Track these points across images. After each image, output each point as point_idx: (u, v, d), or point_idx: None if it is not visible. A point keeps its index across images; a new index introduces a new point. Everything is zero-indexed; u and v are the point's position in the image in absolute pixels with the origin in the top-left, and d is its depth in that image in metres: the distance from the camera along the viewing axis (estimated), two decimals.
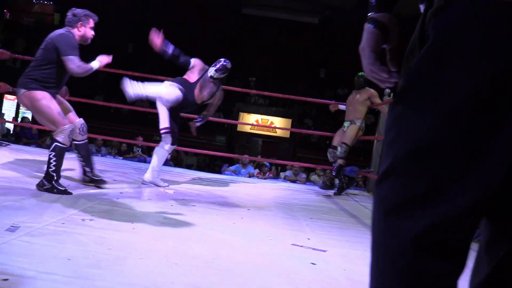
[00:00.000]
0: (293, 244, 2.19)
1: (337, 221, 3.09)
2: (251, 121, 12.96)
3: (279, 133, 13.08)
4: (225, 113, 12.84)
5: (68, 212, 2.25)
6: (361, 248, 2.31)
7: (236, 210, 3.01)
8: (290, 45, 14.20)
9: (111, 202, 2.67)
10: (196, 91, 3.70)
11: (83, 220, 2.14)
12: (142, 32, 13.97)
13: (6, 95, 12.24)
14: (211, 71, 3.71)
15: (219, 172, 8.54)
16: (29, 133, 8.40)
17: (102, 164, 4.47)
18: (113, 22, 13.65)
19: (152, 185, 3.57)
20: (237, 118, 12.85)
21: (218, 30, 14.10)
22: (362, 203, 4.31)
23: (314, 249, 2.16)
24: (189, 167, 8.88)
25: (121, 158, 6.92)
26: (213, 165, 10.70)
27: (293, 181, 6.71)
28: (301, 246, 2.19)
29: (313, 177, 7.50)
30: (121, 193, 3.04)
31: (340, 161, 4.51)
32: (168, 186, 3.63)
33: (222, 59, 3.80)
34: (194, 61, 3.79)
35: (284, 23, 14.09)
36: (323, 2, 13.35)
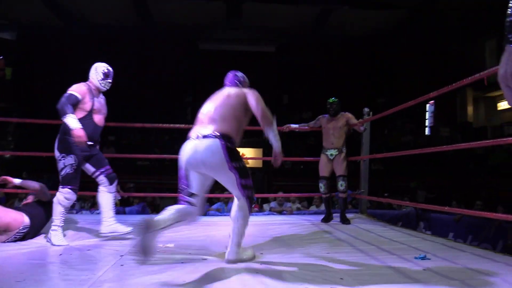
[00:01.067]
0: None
1: (354, 252, 2.98)
2: None
3: (251, 163, 12.94)
4: None
5: None
6: (400, 281, 2.20)
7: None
8: (250, 75, 14.18)
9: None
10: None
11: None
12: None
13: None
14: None
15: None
16: None
17: (86, 222, 4.19)
18: (68, 68, 13.31)
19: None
20: None
21: (177, 67, 14.02)
22: (363, 227, 4.24)
23: None
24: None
25: (98, 211, 6.54)
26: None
27: (280, 212, 6.57)
28: None
29: (313, 207, 7.33)
30: (121, 256, 2.79)
31: (342, 195, 4.65)
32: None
33: None
34: None
35: (242, 54, 14.20)
36: (278, 30, 13.60)
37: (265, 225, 4.36)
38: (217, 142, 2.50)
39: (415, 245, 3.27)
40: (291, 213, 6.51)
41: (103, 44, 13.64)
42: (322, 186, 4.71)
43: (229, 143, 2.53)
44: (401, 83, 14.23)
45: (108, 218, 3.46)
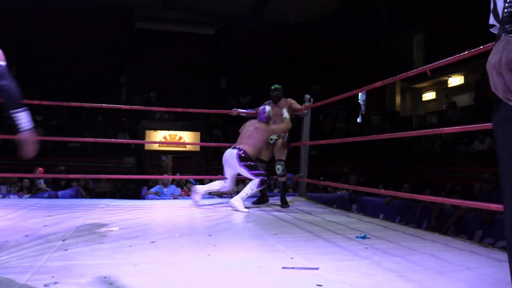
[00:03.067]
0: (284, 268, 2.11)
1: (300, 232, 3.08)
2: (158, 138, 12.49)
3: (188, 147, 12.80)
4: (131, 132, 12.25)
5: None
6: (346, 259, 2.32)
7: (199, 239, 2.82)
8: (188, 57, 14.06)
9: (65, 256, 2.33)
10: None
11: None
12: (28, 52, 12.82)
13: None
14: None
15: (136, 197, 8.10)
16: None
17: (14, 207, 3.95)
18: None
19: None
20: (143, 137, 12.31)
21: (112, 46, 13.41)
22: (304, 209, 4.38)
23: (306, 268, 2.09)
24: (102, 195, 8.23)
25: (28, 196, 6.17)
26: (125, 189, 10.08)
27: (219, 195, 6.59)
28: (292, 268, 2.11)
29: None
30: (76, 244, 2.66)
31: (282, 179, 4.70)
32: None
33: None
34: None
35: (180, 35, 13.91)
36: (217, 13, 13.45)
37: (209, 209, 4.36)
38: (235, 151, 4.33)
39: (353, 225, 3.45)
40: (230, 196, 6.55)
41: (33, 21, 12.75)
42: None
43: (242, 154, 4.31)
44: (335, 71, 14.73)
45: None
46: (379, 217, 6.46)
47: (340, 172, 11.37)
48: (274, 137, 4.72)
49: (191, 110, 6.66)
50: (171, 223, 3.42)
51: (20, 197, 5.80)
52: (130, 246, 2.58)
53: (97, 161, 10.51)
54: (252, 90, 13.86)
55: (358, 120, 15.01)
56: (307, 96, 5.23)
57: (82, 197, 6.91)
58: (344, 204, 7.36)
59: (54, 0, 12.69)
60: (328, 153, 12.35)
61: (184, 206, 4.56)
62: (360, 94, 14.71)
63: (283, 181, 4.71)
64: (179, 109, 6.14)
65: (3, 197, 5.80)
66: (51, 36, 12.64)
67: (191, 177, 7.59)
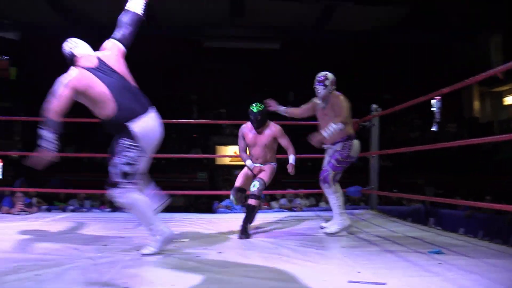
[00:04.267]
0: (349, 281, 2.06)
1: (368, 246, 2.99)
2: (229, 153, 12.77)
3: None
4: (202, 148, 12.66)
5: None
6: (416, 275, 2.21)
7: (265, 250, 2.84)
8: (256, 73, 14.30)
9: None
10: None
11: None
12: None
13: None
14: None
15: (209, 211, 8.29)
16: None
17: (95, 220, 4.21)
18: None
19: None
20: (214, 153, 12.66)
21: (182, 66, 14.04)
22: (374, 222, 4.23)
23: (373, 283, 2.03)
24: (176, 209, 8.52)
25: (109, 210, 6.58)
26: (196, 204, 10.41)
27: (289, 209, 6.58)
28: (359, 282, 2.05)
29: (322, 203, 7.31)
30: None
31: (253, 202, 3.59)
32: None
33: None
34: None
35: (247, 51, 14.22)
36: (282, 28, 13.58)
37: (276, 221, 4.36)
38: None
39: (428, 240, 3.27)
40: (301, 209, 6.53)
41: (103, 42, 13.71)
42: (235, 199, 3.96)
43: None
44: (406, 79, 14.19)
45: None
46: (458, 231, 6.09)
47: (415, 184, 10.85)
48: None
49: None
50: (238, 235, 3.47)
51: (102, 210, 6.20)
52: (197, 256, 2.66)
53: (171, 176, 10.96)
54: None
55: (433, 128, 14.26)
56: (374, 106, 5.11)
57: None
58: (419, 217, 7.00)
59: None
60: (401, 164, 11.86)
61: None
62: (434, 101, 14.03)
63: (254, 205, 3.61)
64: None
65: (87, 211, 6.23)
66: (128, 59, 13.47)
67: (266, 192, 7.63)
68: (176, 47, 13.98)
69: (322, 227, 3.64)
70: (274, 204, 7.35)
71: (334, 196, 3.54)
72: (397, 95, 13.09)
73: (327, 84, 3.76)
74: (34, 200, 6.98)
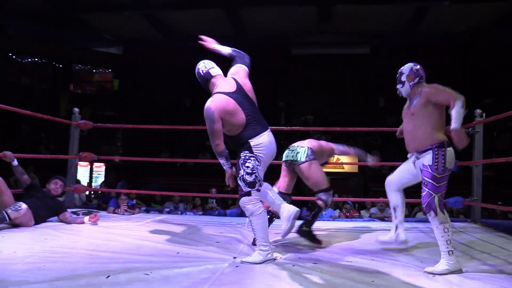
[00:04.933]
0: None
1: (476, 264, 2.76)
2: None
3: (346, 168, 12.68)
4: None
5: None
6: None
7: (362, 262, 2.75)
8: (344, 79, 14.07)
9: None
10: None
11: None
12: (198, 85, 14.38)
13: (79, 163, 12.83)
14: None
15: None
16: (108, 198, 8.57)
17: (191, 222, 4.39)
18: (170, 78, 14.21)
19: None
20: None
21: (271, 73, 14.24)
22: (479, 237, 3.91)
23: None
24: None
25: (200, 213, 6.86)
26: None
27: (381, 219, 6.33)
28: None
29: (419, 213, 6.95)
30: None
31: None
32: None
33: None
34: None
35: (335, 57, 14.06)
36: (372, 32, 13.22)
37: (365, 231, 4.22)
38: None
39: None
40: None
41: (199, 54, 14.35)
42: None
43: None
44: (508, 82, 13.01)
45: None
46: None
47: None
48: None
49: (348, 129, 6.63)
50: (332, 246, 3.41)
51: (194, 214, 6.46)
52: (293, 265, 2.65)
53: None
54: None
55: None
56: (478, 111, 4.75)
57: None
58: None
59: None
60: (506, 174, 10.88)
61: (340, 227, 4.52)
62: None
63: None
64: (337, 128, 6.25)
65: (181, 213, 6.52)
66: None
67: (348, 199, 7.47)
68: (264, 55, 14.23)
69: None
70: (364, 213, 7.12)
71: (442, 227, 2.63)
72: (498, 99, 12.07)
73: (403, 79, 3.06)
74: (135, 201, 7.52)
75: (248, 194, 2.79)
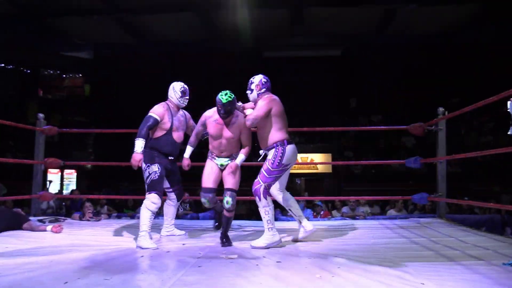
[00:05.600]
0: None
1: (434, 257, 2.83)
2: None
3: (320, 169, 12.81)
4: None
5: None
6: (489, 286, 2.05)
7: (322, 260, 2.78)
8: (316, 80, 14.19)
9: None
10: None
11: None
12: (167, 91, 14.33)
13: (49, 169, 12.53)
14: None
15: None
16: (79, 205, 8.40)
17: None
18: (141, 82, 14.04)
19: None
20: None
21: (242, 76, 14.26)
22: (442, 231, 4.01)
23: None
24: (238, 217, 8.62)
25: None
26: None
27: (352, 217, 6.41)
28: None
29: (391, 211, 7.04)
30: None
31: (229, 214, 3.46)
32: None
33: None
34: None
35: (307, 60, 14.18)
36: (343, 34, 13.38)
37: (338, 230, 4.27)
38: None
39: (502, 251, 3.04)
40: (364, 218, 6.34)
41: (172, 58, 14.27)
42: (207, 201, 3.67)
43: None
44: (475, 82, 13.39)
45: (169, 225, 3.93)
46: None
47: (489, 191, 10.15)
48: (225, 160, 3.63)
49: (322, 129, 6.71)
50: (296, 245, 3.44)
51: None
52: (257, 265, 2.66)
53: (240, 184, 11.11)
54: (383, 108, 13.37)
55: (509, 132, 13.28)
56: (440, 109, 4.88)
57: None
58: (495, 227, 6.50)
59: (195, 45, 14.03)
60: (473, 170, 11.17)
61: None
62: (509, 102, 13.09)
63: (229, 217, 3.49)
64: (310, 129, 6.35)
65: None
66: (188, 70, 13.96)
67: (321, 198, 7.51)
68: (236, 58, 14.26)
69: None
70: (335, 213, 7.19)
71: (263, 210, 3.33)
72: (467, 98, 12.38)
73: (252, 88, 3.55)
74: (105, 208, 7.40)
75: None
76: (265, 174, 3.35)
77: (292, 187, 13.05)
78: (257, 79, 3.57)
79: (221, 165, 3.59)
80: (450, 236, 3.75)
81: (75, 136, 12.67)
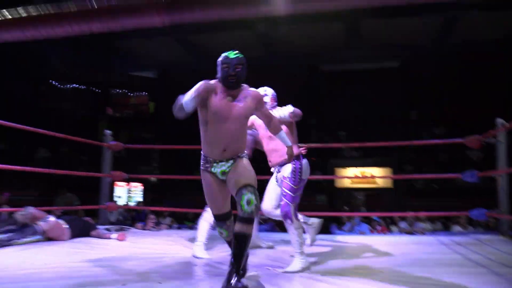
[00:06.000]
0: None
1: (490, 274, 2.75)
2: (349, 175, 12.64)
3: (380, 183, 12.55)
4: (322, 171, 12.71)
5: None
6: None
7: (372, 273, 2.81)
8: (375, 93, 13.99)
9: None
10: None
11: None
12: None
13: (116, 182, 13.29)
14: None
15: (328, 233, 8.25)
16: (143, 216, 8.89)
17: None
18: None
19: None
20: (333, 175, 12.62)
21: (299, 91, 14.38)
22: (505, 250, 3.83)
23: None
24: None
25: None
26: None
27: (410, 233, 6.27)
28: None
29: (455, 227, 6.74)
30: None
31: (246, 228, 2.41)
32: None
33: None
34: None
35: (364, 72, 14.05)
36: (401, 45, 13.14)
37: (390, 244, 4.22)
38: None
39: None
40: (422, 234, 6.18)
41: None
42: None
43: None
44: None
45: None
46: None
47: None
48: None
49: (381, 143, 6.64)
50: (337, 259, 3.46)
51: None
52: (320, 280, 2.70)
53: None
54: (446, 120, 12.87)
55: None
56: (499, 120, 4.68)
57: (276, 232, 7.43)
58: None
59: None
60: None
61: (359, 242, 4.52)
62: None
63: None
64: (368, 144, 6.33)
65: (213, 229, 6.70)
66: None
67: (380, 214, 7.39)
68: (293, 73, 14.41)
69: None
70: (393, 228, 7.05)
71: (296, 232, 3.04)
72: None
73: (267, 100, 3.37)
74: (167, 219, 7.78)
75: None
76: (291, 194, 3.13)
77: (351, 201, 12.87)
78: (270, 92, 3.50)
79: (222, 173, 2.53)
80: (510, 254, 3.59)
81: (141, 152, 13.35)
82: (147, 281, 2.56)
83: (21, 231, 3.65)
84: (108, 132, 5.78)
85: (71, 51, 13.97)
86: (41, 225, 3.78)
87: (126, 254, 3.51)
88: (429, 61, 13.45)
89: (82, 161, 12.96)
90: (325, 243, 4.30)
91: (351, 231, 6.64)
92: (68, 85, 15.58)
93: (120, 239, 4.19)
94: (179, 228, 6.11)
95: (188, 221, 8.28)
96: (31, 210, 3.87)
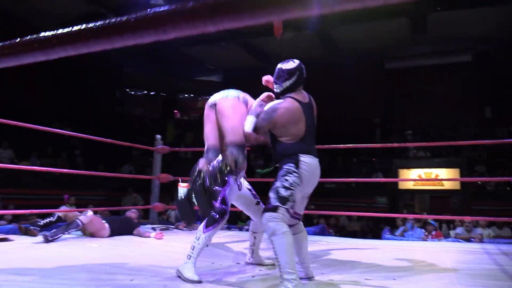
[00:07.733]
0: None
1: None
2: (412, 177, 12.07)
3: (447, 185, 11.84)
4: (384, 172, 12.29)
5: None
6: None
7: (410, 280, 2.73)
8: (444, 90, 13.26)
9: None
10: None
11: None
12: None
13: (179, 183, 13.88)
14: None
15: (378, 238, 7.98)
16: None
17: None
18: None
19: None
20: (396, 177, 12.14)
21: (363, 89, 14.04)
22: None
23: None
24: (352, 234, 8.46)
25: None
26: (377, 229, 10.09)
27: (467, 240, 5.87)
28: None
29: None
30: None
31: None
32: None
33: None
34: None
35: (432, 68, 13.36)
36: (473, 38, 12.32)
37: (430, 251, 4.02)
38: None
39: None
40: (480, 240, 5.76)
41: None
42: None
43: None
44: None
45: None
46: None
47: None
48: None
49: (450, 143, 6.29)
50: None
51: (241, 229, 6.66)
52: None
53: (349, 201, 10.97)
54: None
55: None
56: None
57: (327, 234, 7.36)
58: None
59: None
60: None
61: (404, 247, 4.34)
62: None
63: None
64: (434, 143, 6.05)
65: None
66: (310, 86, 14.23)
67: (434, 217, 7.02)
68: (357, 71, 14.10)
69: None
70: (452, 232, 6.65)
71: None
72: None
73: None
74: None
75: (275, 210, 2.48)
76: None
77: (413, 204, 12.30)
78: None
79: None
80: None
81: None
82: (157, 276, 2.70)
83: (66, 227, 4.01)
84: (158, 136, 6.10)
85: (141, 60, 14.89)
86: (81, 218, 4.12)
87: (157, 252, 3.70)
88: (506, 54, 12.48)
89: (149, 163, 13.72)
90: (361, 246, 4.20)
91: (402, 236, 6.38)
92: (140, 92, 16.63)
93: (158, 238, 4.43)
94: (228, 228, 6.24)
95: (241, 222, 8.44)
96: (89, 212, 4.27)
